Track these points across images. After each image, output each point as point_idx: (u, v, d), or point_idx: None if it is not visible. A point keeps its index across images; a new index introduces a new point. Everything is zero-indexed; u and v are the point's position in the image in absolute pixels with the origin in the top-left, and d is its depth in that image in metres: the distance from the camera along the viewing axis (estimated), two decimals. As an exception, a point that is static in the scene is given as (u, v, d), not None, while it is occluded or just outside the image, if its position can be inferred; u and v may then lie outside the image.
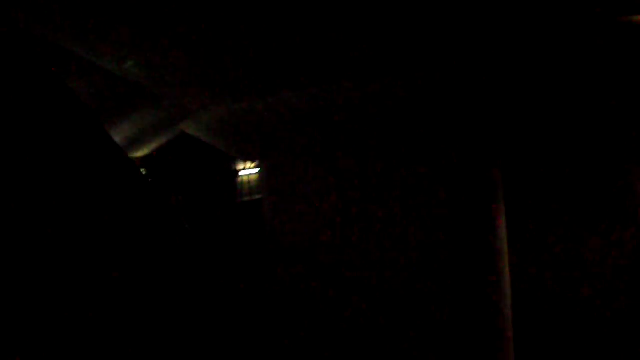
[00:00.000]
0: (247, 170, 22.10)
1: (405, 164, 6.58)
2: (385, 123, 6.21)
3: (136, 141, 13.58)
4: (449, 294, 6.46)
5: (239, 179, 21.81)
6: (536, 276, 8.95)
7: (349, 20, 4.54)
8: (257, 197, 20.51)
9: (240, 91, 6.75)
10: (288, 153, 7.87)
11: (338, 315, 7.47)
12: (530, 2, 4.08)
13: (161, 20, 4.83)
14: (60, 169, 2.40)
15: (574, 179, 8.58)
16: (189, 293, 2.72)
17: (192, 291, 2.75)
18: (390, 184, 6.73)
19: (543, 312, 8.89)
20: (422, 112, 5.81)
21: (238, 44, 5.19)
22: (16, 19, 5.03)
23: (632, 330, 8.23)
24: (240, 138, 8.61)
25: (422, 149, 6.40)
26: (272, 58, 5.49)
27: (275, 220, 8.38)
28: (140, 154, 15.77)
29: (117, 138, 11.97)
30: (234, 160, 21.29)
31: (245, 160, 21.37)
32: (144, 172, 16.40)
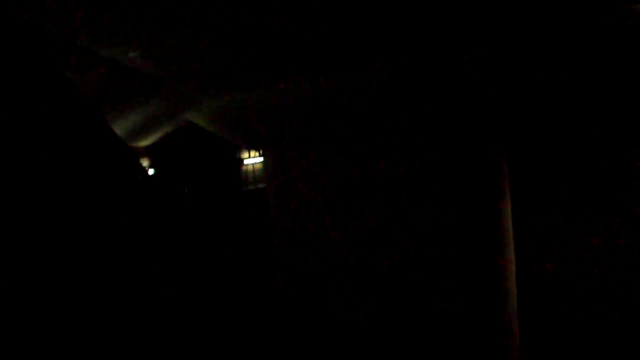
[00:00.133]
0: (252, 159, 22.16)
1: (411, 153, 6.59)
2: (390, 113, 6.23)
3: (141, 131, 13.65)
4: (453, 287, 6.50)
5: (244, 168, 21.88)
6: (541, 271, 8.94)
7: (353, 9, 4.55)
8: (262, 185, 20.61)
9: (245, 80, 6.78)
10: (293, 141, 7.90)
11: (340, 307, 7.54)
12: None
13: (166, 10, 4.86)
14: (58, 159, 2.43)
15: (581, 172, 8.49)
16: (190, 281, 2.74)
17: (193, 280, 2.78)
18: (395, 174, 6.75)
19: (548, 308, 8.89)
20: (428, 102, 5.82)
21: (243, 33, 5.22)
22: (18, 10, 5.06)
23: (638, 326, 8.21)
24: (244, 127, 8.64)
25: (427, 139, 6.41)
26: (276, 47, 5.51)
27: (279, 209, 8.44)
28: (145, 143, 15.86)
29: (122, 127, 12.03)
30: (239, 148, 21.33)
31: (249, 148, 21.41)
32: (149, 162, 16.50)
